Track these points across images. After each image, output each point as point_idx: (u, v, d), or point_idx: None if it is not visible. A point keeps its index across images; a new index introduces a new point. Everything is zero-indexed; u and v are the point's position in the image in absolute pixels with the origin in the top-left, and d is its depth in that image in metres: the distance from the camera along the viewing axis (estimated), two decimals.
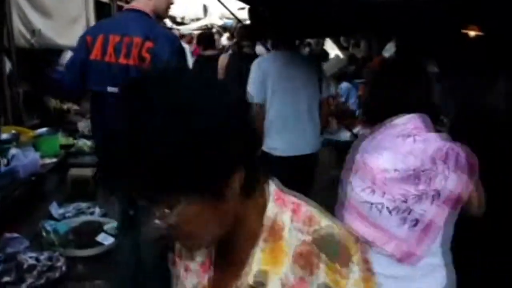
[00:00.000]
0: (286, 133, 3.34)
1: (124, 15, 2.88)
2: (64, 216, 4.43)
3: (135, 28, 2.55)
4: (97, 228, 4.09)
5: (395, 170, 1.55)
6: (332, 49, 10.89)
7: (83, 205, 4.59)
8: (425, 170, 1.52)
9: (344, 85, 8.40)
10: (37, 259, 3.49)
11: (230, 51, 5.44)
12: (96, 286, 3.39)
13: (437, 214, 1.56)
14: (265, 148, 3.27)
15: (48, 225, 3.93)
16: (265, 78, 3.32)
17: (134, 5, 2.72)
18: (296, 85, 3.34)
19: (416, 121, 1.61)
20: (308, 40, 10.11)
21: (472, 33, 5.25)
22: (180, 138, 0.70)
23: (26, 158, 4.45)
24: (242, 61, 4.39)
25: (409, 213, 1.55)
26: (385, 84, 1.72)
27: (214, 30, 13.00)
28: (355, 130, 6.27)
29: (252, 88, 3.31)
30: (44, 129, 5.15)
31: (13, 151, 4.37)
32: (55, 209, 4.46)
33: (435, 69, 6.51)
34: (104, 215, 4.43)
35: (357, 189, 1.62)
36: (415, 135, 1.57)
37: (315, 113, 3.44)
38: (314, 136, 3.48)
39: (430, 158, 1.52)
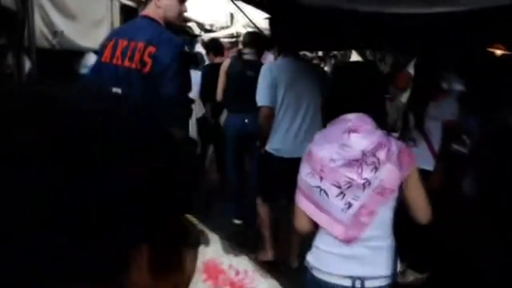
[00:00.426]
0: (291, 136, 3.57)
1: (136, 22, 3.01)
2: None
3: (141, 34, 2.62)
4: None
5: (334, 160, 1.79)
6: None
7: None
8: (358, 160, 1.75)
9: None
10: None
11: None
12: None
13: (369, 201, 1.78)
14: (269, 148, 3.61)
15: None
16: (276, 84, 3.53)
17: (145, 12, 2.83)
18: (303, 91, 3.56)
19: (362, 119, 1.84)
20: (335, 52, 10.00)
21: (498, 52, 5.08)
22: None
23: None
24: (243, 67, 4.52)
25: (342, 198, 1.79)
26: (339, 86, 1.98)
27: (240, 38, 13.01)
28: None
29: (263, 93, 3.54)
30: None
31: None
32: None
33: (459, 87, 6.34)
34: None
35: (307, 176, 1.88)
36: (356, 131, 1.80)
37: (319, 118, 3.42)
38: None
39: (363, 151, 1.76)
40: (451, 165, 3.64)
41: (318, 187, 1.85)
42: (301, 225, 1.98)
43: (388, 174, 1.79)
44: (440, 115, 3.42)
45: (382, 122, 1.91)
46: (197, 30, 14.55)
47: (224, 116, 5.03)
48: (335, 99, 1.96)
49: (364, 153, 1.78)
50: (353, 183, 1.78)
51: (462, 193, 4.45)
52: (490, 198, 3.56)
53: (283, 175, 3.49)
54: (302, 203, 1.93)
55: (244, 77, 4.33)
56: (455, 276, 3.68)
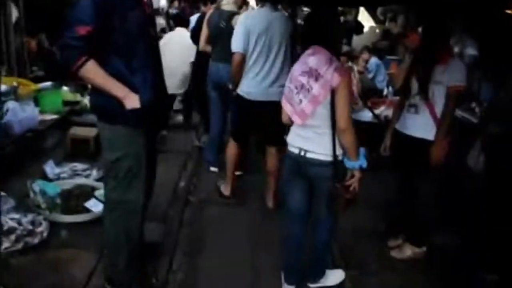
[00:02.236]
0: (259, 81, 3.83)
1: None
2: (59, 176, 4.24)
3: None
4: (89, 193, 3.88)
5: (296, 70, 2.73)
6: (367, 21, 10.27)
7: (80, 166, 4.39)
8: (307, 72, 2.62)
9: (373, 60, 7.85)
10: (18, 222, 3.30)
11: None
12: (73, 255, 3.17)
13: (310, 100, 2.58)
14: (240, 91, 3.90)
15: (36, 185, 3.72)
16: (249, 32, 3.76)
17: None
18: (274, 39, 3.79)
19: (319, 48, 2.66)
20: (341, 8, 9.54)
21: None
22: None
23: (23, 113, 4.25)
24: (221, 18, 4.67)
25: (298, 95, 2.65)
26: (306, 27, 2.91)
27: None
28: (379, 110, 5.85)
29: (237, 40, 3.81)
30: (48, 83, 4.94)
31: (10, 104, 4.17)
32: (50, 169, 4.26)
33: (471, 50, 5.99)
34: (100, 179, 4.18)
35: (287, 83, 2.81)
36: (313, 54, 2.66)
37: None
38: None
39: (311, 67, 2.62)
40: (455, 135, 3.36)
41: (289, 87, 2.77)
42: (284, 118, 2.85)
43: (323, 84, 2.54)
44: (446, 80, 3.11)
45: (334, 51, 2.66)
46: None
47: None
48: (304, 36, 2.90)
49: (311, 68, 2.61)
50: (303, 86, 2.63)
51: (467, 167, 4.23)
52: (498, 175, 3.30)
53: (253, 116, 3.91)
54: (283, 101, 2.83)
55: (220, 27, 4.54)
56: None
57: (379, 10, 9.18)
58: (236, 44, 3.81)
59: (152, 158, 2.87)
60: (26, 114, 4.26)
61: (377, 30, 9.88)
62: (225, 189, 4.34)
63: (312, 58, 2.64)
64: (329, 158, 2.63)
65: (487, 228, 3.61)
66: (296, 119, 2.68)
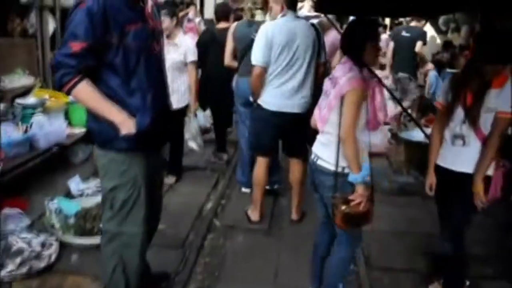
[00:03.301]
0: (280, 93, 3.70)
1: None
2: (82, 193, 4.10)
3: None
4: None
5: (327, 79, 2.72)
6: (428, 31, 9.63)
7: None
8: (331, 79, 2.63)
9: (433, 74, 7.30)
10: (29, 243, 3.17)
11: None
12: (78, 282, 2.98)
13: (328, 105, 2.58)
14: (260, 101, 3.80)
15: (54, 203, 3.59)
16: (271, 44, 3.62)
17: None
18: (297, 51, 3.65)
19: (346, 58, 2.61)
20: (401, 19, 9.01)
21: None
22: None
23: (50, 126, 4.16)
24: (249, 28, 4.41)
25: (325, 100, 2.64)
26: (344, 36, 2.73)
27: None
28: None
29: (257, 53, 3.67)
30: None
31: (38, 117, 4.09)
32: (75, 185, 4.14)
33: None
34: None
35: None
36: (343, 63, 2.61)
37: (310, 78, 3.76)
38: (305, 99, 3.76)
39: (334, 75, 2.62)
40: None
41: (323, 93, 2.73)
42: (312, 122, 2.79)
43: (337, 91, 2.51)
44: (498, 106, 2.56)
45: (358, 62, 2.55)
46: None
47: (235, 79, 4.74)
48: (340, 46, 2.77)
49: (334, 76, 2.61)
50: (326, 93, 2.64)
51: None
52: None
53: (273, 127, 3.80)
54: (316, 106, 2.79)
55: (252, 39, 4.04)
56: None
57: (441, 19, 8.55)
58: (257, 56, 3.68)
59: (155, 183, 2.62)
60: (53, 127, 4.16)
61: (438, 41, 9.22)
62: (253, 214, 4.08)
63: (339, 67, 2.62)
64: (333, 167, 2.58)
65: None
66: (318, 124, 2.68)
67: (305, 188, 3.85)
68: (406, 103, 6.59)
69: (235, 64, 4.57)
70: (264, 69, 3.68)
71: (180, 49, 4.37)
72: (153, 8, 2.43)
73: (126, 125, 2.25)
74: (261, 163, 3.96)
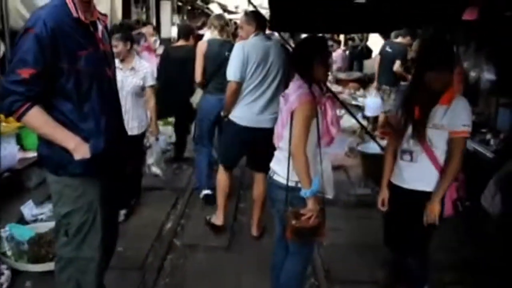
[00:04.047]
0: (252, 108, 3.83)
1: None
2: (36, 218, 3.98)
3: None
4: None
5: (283, 95, 2.73)
6: (379, 45, 9.92)
7: None
8: (283, 96, 2.68)
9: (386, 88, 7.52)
10: None
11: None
12: None
13: (281, 122, 2.66)
14: (232, 117, 3.91)
15: (5, 230, 3.47)
16: (247, 61, 3.75)
17: None
18: (270, 69, 3.81)
19: (297, 77, 2.66)
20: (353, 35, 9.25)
21: None
22: None
23: (2, 151, 4.02)
24: (222, 47, 4.66)
25: (280, 118, 2.70)
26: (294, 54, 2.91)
27: None
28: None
29: (234, 69, 3.77)
30: None
31: None
32: (28, 210, 4.02)
33: (489, 76, 5.54)
34: None
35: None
36: (294, 81, 2.66)
37: (279, 95, 3.66)
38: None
39: (285, 92, 2.69)
40: (468, 171, 2.88)
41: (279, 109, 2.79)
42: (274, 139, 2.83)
43: (287, 108, 2.57)
44: (447, 124, 2.57)
45: (307, 79, 2.59)
46: (218, 11, 14.14)
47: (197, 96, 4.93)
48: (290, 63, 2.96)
49: (286, 93, 2.67)
50: (281, 109, 2.70)
51: (481, 208, 3.81)
52: None
53: (243, 142, 3.92)
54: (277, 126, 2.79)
55: (225, 57, 4.26)
56: None
57: (393, 33, 8.81)
58: (233, 72, 3.77)
59: (111, 208, 2.57)
60: (5, 152, 4.03)
61: None
62: (217, 219, 4.17)
63: (291, 85, 2.66)
64: (284, 181, 2.62)
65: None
66: (275, 140, 2.76)
67: (266, 203, 3.93)
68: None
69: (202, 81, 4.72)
70: (240, 85, 3.78)
71: (138, 74, 4.21)
72: (103, 32, 2.41)
73: (80, 150, 2.22)
74: (225, 173, 4.10)
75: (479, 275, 3.44)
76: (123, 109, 2.83)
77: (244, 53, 3.74)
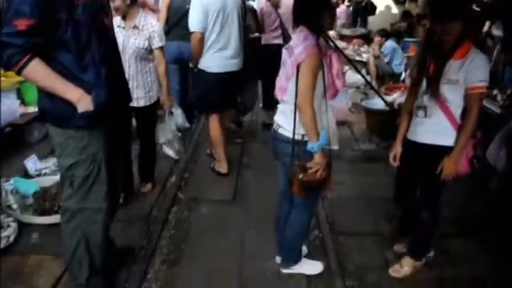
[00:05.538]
0: (219, 55, 4.05)
1: None
2: (40, 173, 3.98)
3: None
4: None
5: (284, 47, 2.70)
6: (383, 2, 9.72)
7: None
8: (287, 48, 2.61)
9: (389, 43, 7.38)
10: None
11: None
12: (38, 262, 2.91)
13: (285, 75, 2.57)
14: (201, 66, 4.11)
15: (10, 184, 3.47)
16: (207, 11, 3.91)
17: None
18: (230, 17, 4.04)
19: (301, 28, 2.56)
20: None
21: None
22: None
23: (3, 106, 3.98)
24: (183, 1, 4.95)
25: (283, 70, 2.63)
26: (298, 5, 2.61)
27: None
28: (392, 97, 5.41)
29: (195, 19, 3.92)
30: None
31: None
32: (32, 164, 4.01)
33: (498, 32, 5.45)
34: None
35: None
36: (298, 33, 2.57)
37: (241, 38, 4.21)
38: (240, 58, 4.24)
39: (290, 44, 2.60)
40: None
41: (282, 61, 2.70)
42: (275, 92, 2.76)
43: (293, 60, 2.49)
44: (463, 79, 2.50)
45: (314, 30, 2.50)
46: None
47: None
48: (293, 15, 2.64)
49: (290, 46, 2.59)
50: (284, 63, 2.63)
51: (485, 162, 3.79)
52: None
53: (217, 87, 4.12)
54: (279, 77, 2.70)
55: (186, 9, 4.47)
56: None
57: None
58: (195, 23, 3.92)
59: (116, 158, 2.56)
60: (5, 107, 3.99)
61: (395, 11, 9.31)
62: (221, 167, 4.39)
63: (295, 37, 2.61)
64: (289, 134, 2.59)
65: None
66: (278, 94, 2.68)
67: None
68: None
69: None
70: (203, 34, 3.95)
71: (142, 33, 3.54)
72: None
73: (83, 101, 2.19)
74: (214, 121, 4.27)
75: (483, 229, 3.46)
76: (126, 76, 2.77)
77: (203, 4, 3.88)
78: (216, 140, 4.32)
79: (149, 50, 3.62)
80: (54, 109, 2.25)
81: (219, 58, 4.05)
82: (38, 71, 2.11)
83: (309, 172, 2.52)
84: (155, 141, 4.00)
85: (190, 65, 4.30)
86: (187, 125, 4.50)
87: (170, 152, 4.22)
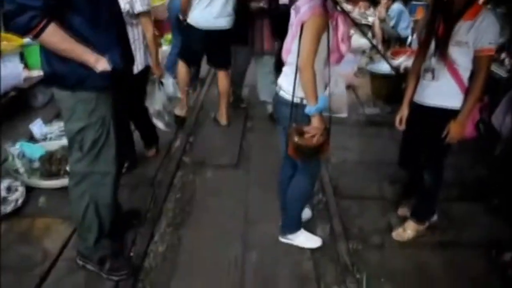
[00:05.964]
0: (208, 12, 4.20)
1: None
2: (46, 137, 3.99)
3: None
4: None
5: (293, 8, 2.56)
6: None
7: None
8: (294, 9, 2.52)
9: (396, 6, 7.24)
10: None
11: None
12: (47, 225, 2.96)
13: (291, 35, 2.53)
14: (192, 22, 4.28)
15: (16, 148, 3.49)
16: None
17: None
18: None
19: None
20: None
21: None
22: None
23: (5, 70, 3.96)
24: None
25: (290, 31, 2.57)
26: None
27: None
28: (398, 61, 5.34)
29: None
30: None
31: None
32: (37, 128, 4.01)
33: None
34: None
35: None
36: None
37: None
38: (230, 16, 4.32)
39: (297, 4, 2.50)
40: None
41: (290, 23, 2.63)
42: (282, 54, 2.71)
43: (298, 20, 2.42)
44: (472, 41, 2.44)
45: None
46: None
47: None
48: None
49: (297, 6, 2.50)
50: (291, 22, 2.56)
51: (490, 127, 3.77)
52: None
53: (201, 42, 4.34)
54: (288, 38, 2.62)
55: None
56: None
57: None
58: None
59: (122, 121, 2.56)
60: (8, 71, 3.97)
61: None
62: (179, 110, 4.66)
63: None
64: (290, 97, 2.55)
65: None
66: (284, 55, 2.64)
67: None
68: None
69: None
70: None
71: None
72: None
73: (101, 63, 2.18)
74: (184, 66, 4.56)
75: (487, 194, 3.49)
76: None
77: None
78: (181, 78, 4.54)
79: (133, 15, 3.28)
80: (68, 72, 2.21)
81: (208, 14, 4.20)
82: (57, 35, 2.08)
83: (305, 136, 2.47)
84: (145, 107, 3.70)
85: (180, 17, 4.46)
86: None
87: (159, 124, 3.81)
